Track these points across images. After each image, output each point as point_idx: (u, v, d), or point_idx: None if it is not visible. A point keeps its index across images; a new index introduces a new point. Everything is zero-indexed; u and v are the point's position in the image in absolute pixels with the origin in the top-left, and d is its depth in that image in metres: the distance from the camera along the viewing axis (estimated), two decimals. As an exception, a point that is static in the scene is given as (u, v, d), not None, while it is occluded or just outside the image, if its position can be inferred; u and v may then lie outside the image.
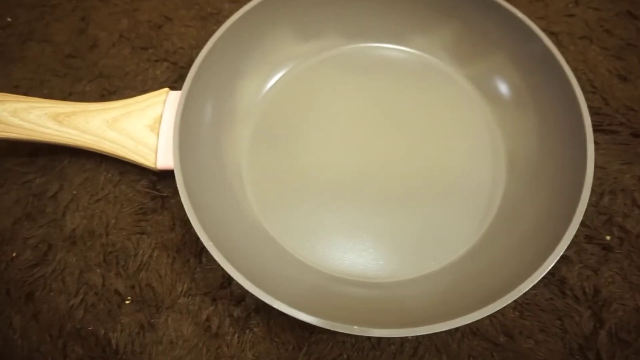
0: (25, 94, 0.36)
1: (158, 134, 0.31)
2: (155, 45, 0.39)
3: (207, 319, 0.30)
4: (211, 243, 0.26)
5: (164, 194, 0.33)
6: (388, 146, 0.34)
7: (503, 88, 0.34)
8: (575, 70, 0.36)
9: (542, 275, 0.25)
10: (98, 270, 0.31)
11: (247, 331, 0.29)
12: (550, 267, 0.26)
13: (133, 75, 0.38)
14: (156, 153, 0.31)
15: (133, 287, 0.31)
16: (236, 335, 0.29)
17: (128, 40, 0.39)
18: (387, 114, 0.35)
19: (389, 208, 0.32)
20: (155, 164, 0.31)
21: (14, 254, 0.32)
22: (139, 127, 0.32)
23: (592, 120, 0.32)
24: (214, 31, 0.32)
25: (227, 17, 0.33)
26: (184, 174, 0.28)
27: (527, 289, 0.25)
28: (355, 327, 0.24)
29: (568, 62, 0.31)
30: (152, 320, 0.30)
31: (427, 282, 0.30)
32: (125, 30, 0.39)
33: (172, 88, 0.34)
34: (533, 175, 0.31)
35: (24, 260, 0.31)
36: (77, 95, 0.37)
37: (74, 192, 0.33)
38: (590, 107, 0.33)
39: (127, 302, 0.30)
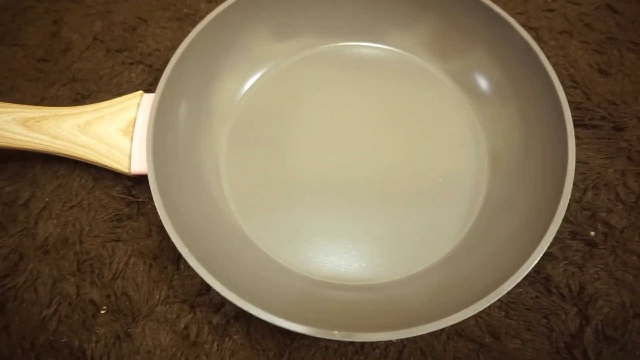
0: (-4, 99, 0.35)
1: (132, 138, 0.31)
2: (130, 47, 0.38)
3: (186, 327, 0.29)
4: (186, 249, 0.26)
5: (140, 200, 0.32)
6: (368, 145, 0.33)
7: (484, 83, 0.34)
8: (555, 65, 0.36)
9: (526, 273, 0.25)
10: (72, 280, 0.30)
11: (227, 339, 0.28)
12: (533, 265, 0.25)
13: (107, 78, 0.37)
14: (130, 158, 0.30)
15: (108, 296, 0.30)
16: (215, 343, 0.28)
17: (102, 43, 0.38)
18: (367, 112, 0.35)
19: (371, 209, 0.32)
20: (130, 169, 0.30)
21: (-16, 265, 0.30)
22: (112, 132, 0.31)
23: (574, 115, 0.32)
24: (190, 32, 0.32)
25: (204, 17, 0.32)
26: (158, 179, 0.28)
27: (511, 287, 0.25)
28: (336, 332, 0.24)
29: (548, 57, 0.31)
30: (128, 330, 0.29)
31: (411, 283, 0.29)
32: (100, 32, 0.38)
33: (148, 91, 0.33)
34: (516, 171, 0.31)
35: (-5, 271, 0.30)
36: (49, 100, 0.36)
37: (47, 199, 0.32)
38: (571, 102, 0.33)
39: (103, 311, 0.29)
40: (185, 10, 0.39)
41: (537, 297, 0.30)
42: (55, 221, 0.32)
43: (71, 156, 0.31)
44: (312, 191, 0.32)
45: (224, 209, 0.31)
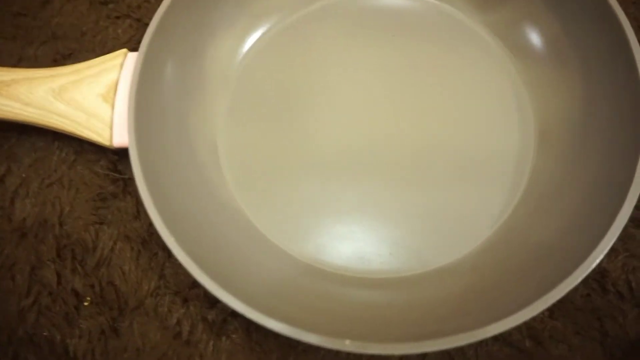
0: (-33, 60, 0.31)
1: (113, 105, 0.26)
2: (116, -1, 0.33)
3: (178, 323, 0.25)
4: (173, 239, 0.22)
5: (126, 176, 0.28)
6: (394, 114, 0.28)
7: (535, 39, 0.28)
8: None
9: (586, 274, 0.20)
10: (52, 267, 0.27)
11: (224, 338, 0.25)
12: (595, 264, 0.20)
13: (91, 35, 0.32)
14: (111, 128, 0.26)
15: (92, 285, 0.26)
16: (211, 343, 0.25)
17: (85, -6, 0.33)
18: (391, 77, 0.29)
19: (395, 189, 0.27)
20: (111, 141, 0.26)
21: (-44, 249, 0.27)
22: (90, 97, 0.26)
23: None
24: (179, -22, 0.27)
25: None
26: (141, 154, 0.24)
27: (566, 291, 0.20)
28: (347, 341, 0.20)
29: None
30: (115, 325, 0.26)
31: (442, 278, 0.25)
32: (82, -19, 0.33)
33: (134, 50, 0.29)
34: (571, 149, 0.25)
35: (-33, 256, 0.27)
36: (27, 61, 0.32)
37: (23, 175, 0.29)
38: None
39: (86, 303, 0.26)
40: (179, -45, 0.34)
41: (588, 295, 0.25)
42: (32, 200, 0.28)
43: (45, 126, 0.27)
44: (327, 167, 0.28)
45: (221, 189, 0.27)
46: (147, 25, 0.32)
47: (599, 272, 0.25)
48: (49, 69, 0.27)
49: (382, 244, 0.26)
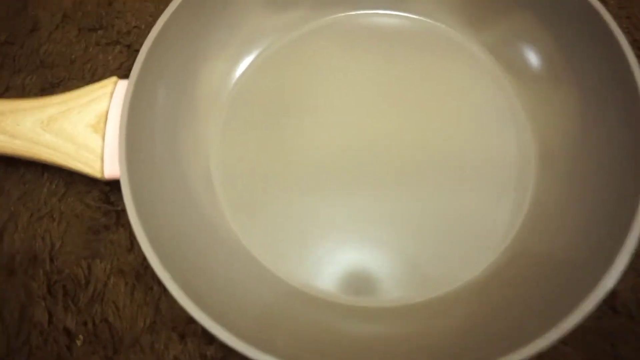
0: (-48, 91, 0.30)
1: (104, 136, 0.25)
2: (106, 25, 0.32)
3: (175, 361, 0.24)
4: (168, 274, 0.21)
5: (119, 208, 0.27)
6: (388, 134, 0.28)
7: (531, 57, 0.27)
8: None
9: (598, 301, 0.20)
10: (43, 304, 0.26)
11: (224, 376, 0.24)
12: (608, 289, 0.20)
13: (80, 62, 0.31)
14: (102, 159, 0.25)
15: (85, 323, 0.25)
16: (210, 381, 0.24)
17: (73, 21, 0.33)
18: (387, 95, 0.29)
19: (393, 208, 0.26)
20: (102, 172, 0.25)
21: (-58, 289, 0.26)
22: (80, 128, 0.26)
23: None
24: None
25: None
26: (132, 185, 0.23)
27: (577, 321, 0.19)
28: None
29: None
30: (109, 364, 0.25)
31: (444, 306, 0.24)
32: (70, 8, 0.33)
33: (125, 77, 0.28)
34: (573, 167, 0.25)
35: (-46, 295, 0.26)
36: (15, 90, 0.31)
37: (12, 208, 0.28)
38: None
39: (79, 342, 0.25)
40: (168, -21, 0.33)
41: (599, 317, 0.24)
42: (22, 235, 0.27)
43: (33, 158, 0.26)
44: (320, 190, 0.27)
45: (214, 214, 0.26)
46: (137, 51, 0.31)
47: (609, 294, 0.24)
48: (36, 99, 0.27)
49: (381, 268, 0.25)
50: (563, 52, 0.26)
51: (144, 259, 0.26)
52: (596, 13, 0.24)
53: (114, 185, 0.28)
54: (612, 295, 0.25)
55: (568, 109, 0.26)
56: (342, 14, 0.31)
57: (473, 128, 0.28)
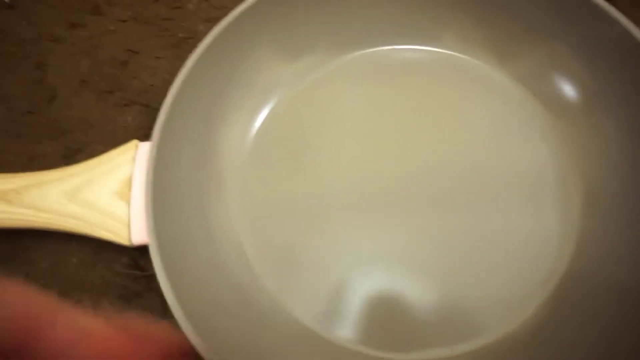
0: (-23, 166, 0.31)
1: (129, 202, 0.25)
2: (122, 86, 0.32)
3: None
4: (205, 346, 0.20)
5: (149, 273, 0.27)
6: (420, 168, 0.27)
7: (565, 87, 0.26)
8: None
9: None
10: (78, 381, 0.25)
11: None
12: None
13: (100, 126, 0.31)
14: (129, 226, 0.25)
15: (122, 397, 0.24)
16: None
17: (90, 85, 0.33)
18: (415, 134, 0.28)
19: (427, 243, 0.25)
20: (130, 240, 0.25)
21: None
22: (105, 196, 0.25)
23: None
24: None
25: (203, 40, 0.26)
26: (162, 252, 0.22)
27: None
28: None
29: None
30: None
31: (493, 354, 0.22)
32: (87, 73, 0.33)
33: (147, 137, 0.28)
34: (621, 206, 0.23)
35: (-12, 377, 0.25)
36: (37, 160, 0.31)
37: (42, 281, 0.27)
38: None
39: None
40: (181, 35, 0.34)
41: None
42: (53, 308, 0.26)
43: (59, 230, 0.25)
44: (351, 239, 0.26)
45: (250, 283, 0.25)
46: (155, 109, 0.31)
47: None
48: (59, 170, 0.27)
49: (416, 310, 0.24)
50: (599, 81, 0.25)
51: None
52: (636, 43, 0.22)
53: (143, 249, 0.27)
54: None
55: (613, 142, 0.24)
56: (359, 52, 0.30)
57: (508, 161, 0.26)
